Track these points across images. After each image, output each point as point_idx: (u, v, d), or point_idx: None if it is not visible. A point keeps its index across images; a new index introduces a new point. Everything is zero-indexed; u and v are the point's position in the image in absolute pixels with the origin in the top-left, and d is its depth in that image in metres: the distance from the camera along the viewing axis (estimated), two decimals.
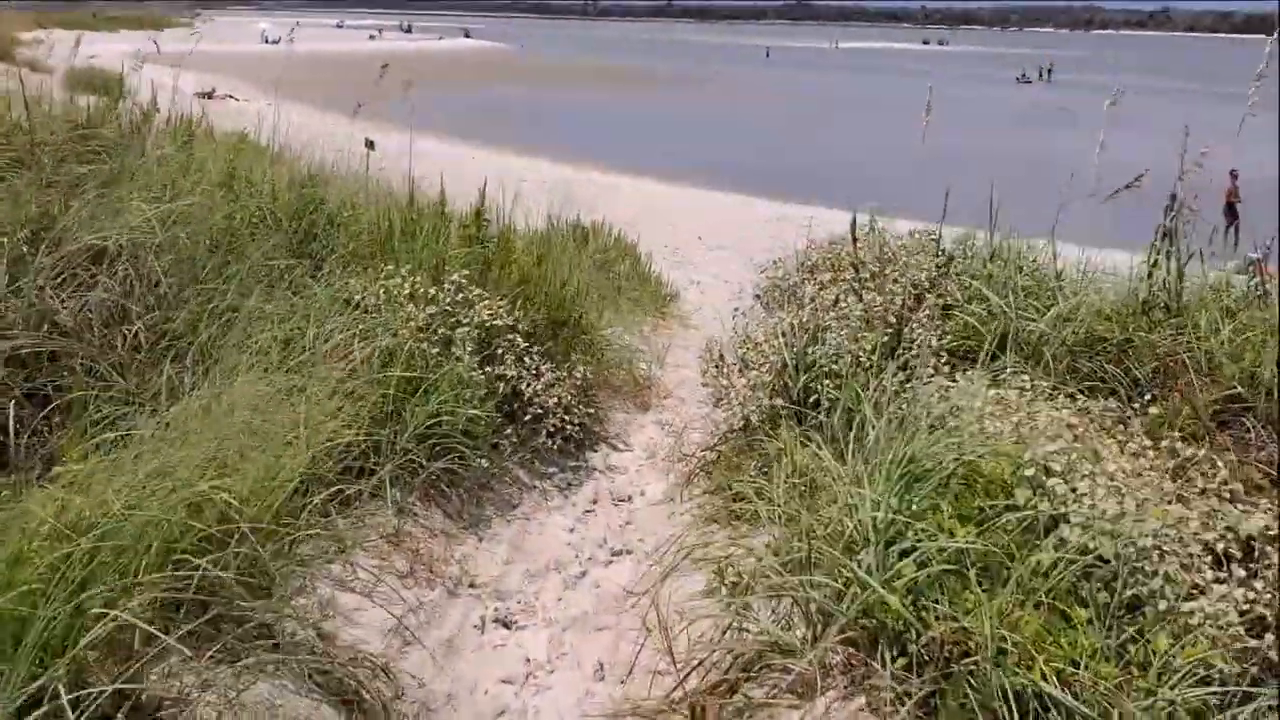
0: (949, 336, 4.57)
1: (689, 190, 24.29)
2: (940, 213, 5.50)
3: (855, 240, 5.17)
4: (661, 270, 10.65)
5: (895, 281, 4.94)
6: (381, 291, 4.97)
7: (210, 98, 36.95)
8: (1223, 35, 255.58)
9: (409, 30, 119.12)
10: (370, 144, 11.44)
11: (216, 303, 4.18)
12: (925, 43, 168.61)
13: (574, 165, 27.21)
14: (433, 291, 4.97)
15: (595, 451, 5.59)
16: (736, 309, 5.95)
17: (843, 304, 4.68)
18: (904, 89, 65.25)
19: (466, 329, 4.91)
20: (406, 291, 4.91)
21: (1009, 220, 5.55)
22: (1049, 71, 77.18)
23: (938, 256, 5.12)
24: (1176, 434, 3.67)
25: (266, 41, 76.28)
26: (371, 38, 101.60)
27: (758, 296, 6.02)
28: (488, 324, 4.97)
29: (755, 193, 23.96)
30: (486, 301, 5.02)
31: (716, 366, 5.52)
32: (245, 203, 5.17)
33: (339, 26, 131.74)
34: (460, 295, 5.02)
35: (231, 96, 35.68)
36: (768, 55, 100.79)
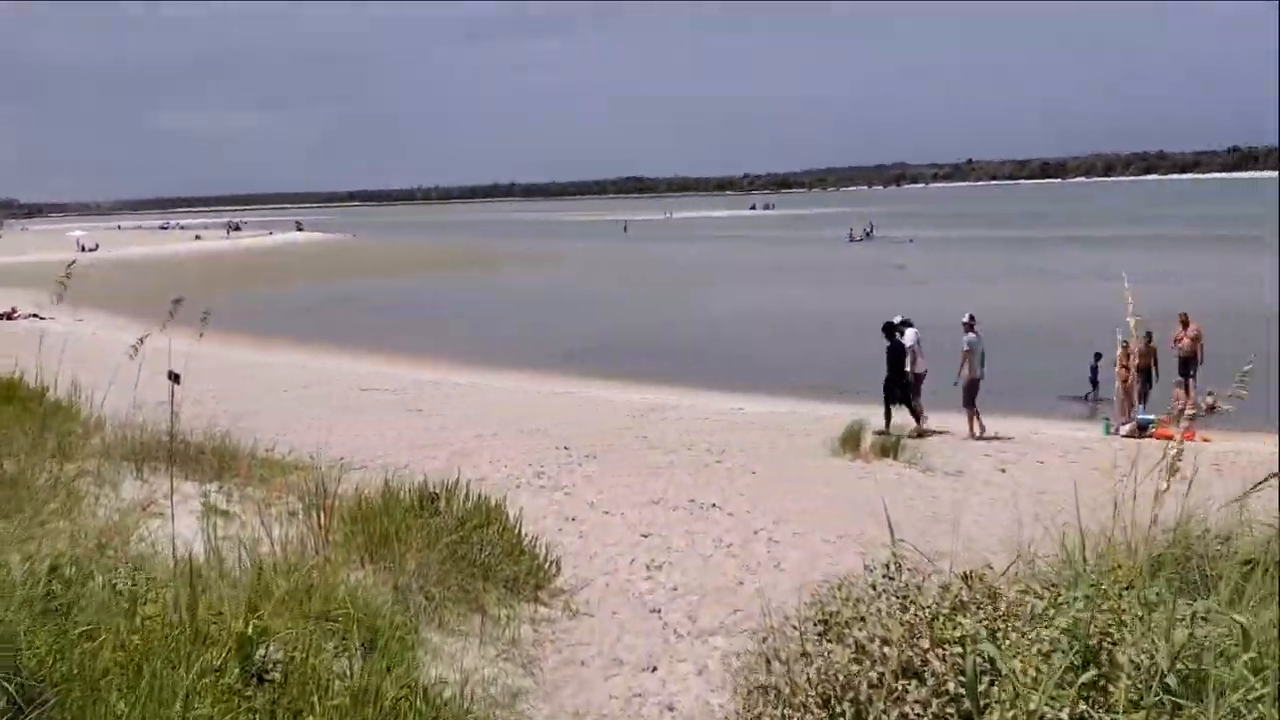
0: None
1: (548, 382, 22.40)
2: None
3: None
4: (530, 510, 8.66)
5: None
6: None
7: (11, 318, 33.53)
8: (1022, 180, 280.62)
9: (238, 229, 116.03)
10: (175, 378, 9.46)
11: None
12: (753, 208, 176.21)
13: (422, 363, 25.14)
14: None
15: None
16: None
17: None
18: (748, 254, 66.93)
19: None
20: None
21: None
22: (871, 228, 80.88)
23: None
24: None
25: (82, 250, 72.47)
26: (197, 238, 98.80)
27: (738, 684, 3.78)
28: None
29: (622, 377, 22.68)
30: None
31: None
32: None
33: (164, 228, 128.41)
34: None
35: (35, 315, 32.36)
36: (626, 230, 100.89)
